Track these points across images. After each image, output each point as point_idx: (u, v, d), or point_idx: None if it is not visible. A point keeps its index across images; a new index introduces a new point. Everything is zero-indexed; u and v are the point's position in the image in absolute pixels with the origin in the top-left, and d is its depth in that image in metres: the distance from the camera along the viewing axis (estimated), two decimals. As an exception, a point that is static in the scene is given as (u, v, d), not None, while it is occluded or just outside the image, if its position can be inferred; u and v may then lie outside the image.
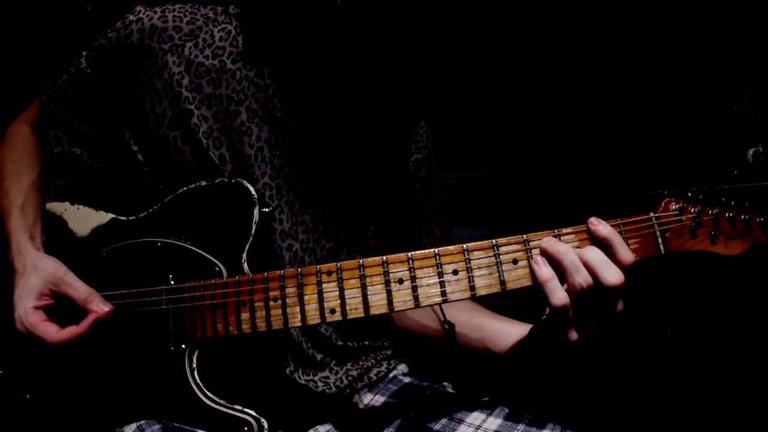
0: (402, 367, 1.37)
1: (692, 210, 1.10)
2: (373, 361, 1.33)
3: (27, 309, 1.11)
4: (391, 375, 1.34)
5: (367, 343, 1.33)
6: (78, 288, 1.12)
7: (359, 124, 1.31)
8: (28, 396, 1.18)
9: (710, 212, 1.10)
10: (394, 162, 1.35)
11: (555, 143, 2.32)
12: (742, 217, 1.11)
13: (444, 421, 1.16)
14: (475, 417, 1.15)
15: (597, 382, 1.93)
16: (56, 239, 1.26)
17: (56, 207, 1.29)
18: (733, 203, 1.12)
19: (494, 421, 1.14)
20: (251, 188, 1.13)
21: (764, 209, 1.14)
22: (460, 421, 1.15)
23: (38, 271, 1.14)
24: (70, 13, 1.95)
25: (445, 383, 1.30)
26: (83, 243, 1.24)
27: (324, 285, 1.03)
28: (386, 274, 1.02)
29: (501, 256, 1.02)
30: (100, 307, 1.12)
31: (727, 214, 1.11)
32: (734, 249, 1.11)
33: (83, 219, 1.26)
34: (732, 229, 1.11)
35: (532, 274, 1.00)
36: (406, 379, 1.33)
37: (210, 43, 1.23)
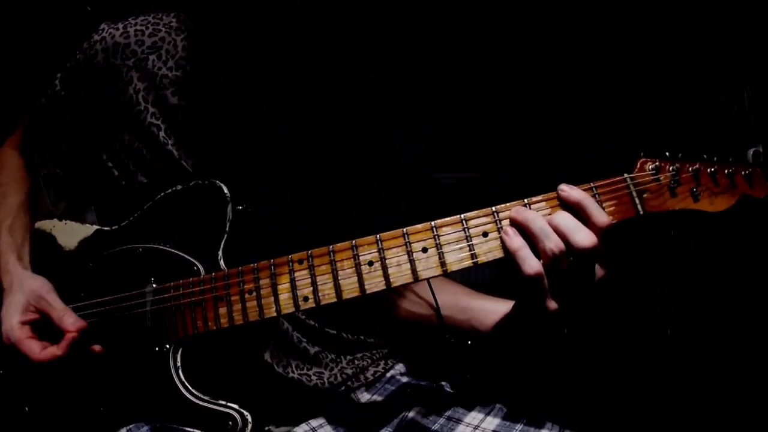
0: (399, 367, 1.36)
1: (670, 168, 1.06)
2: (369, 360, 1.31)
3: (13, 324, 1.14)
4: (388, 375, 1.33)
5: (362, 337, 1.32)
6: (55, 307, 1.15)
7: (355, 124, 1.30)
8: (27, 408, 1.20)
9: (689, 169, 1.07)
10: (391, 161, 1.34)
11: (555, 143, 2.30)
12: (726, 171, 1.07)
13: (442, 420, 1.15)
14: (474, 417, 1.15)
15: (595, 381, 1.91)
16: (46, 255, 1.29)
17: (45, 225, 1.33)
18: (715, 158, 1.08)
19: (492, 421, 1.13)
20: (224, 187, 1.14)
21: (749, 162, 1.10)
22: (458, 421, 1.15)
23: (23, 288, 1.17)
24: (60, 33, 2.01)
25: (443, 383, 1.28)
26: (71, 256, 1.27)
27: (296, 273, 1.03)
28: (356, 257, 1.01)
29: (470, 230, 1.00)
30: (74, 325, 1.13)
31: (708, 170, 1.07)
32: (720, 205, 1.07)
33: (70, 233, 1.29)
34: (715, 185, 1.07)
35: (503, 244, 0.98)
36: (404, 379, 1.32)
37: (173, 54, 1.23)
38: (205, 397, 1.06)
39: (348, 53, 1.25)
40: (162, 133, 1.21)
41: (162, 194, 1.20)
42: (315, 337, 1.24)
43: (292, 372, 1.20)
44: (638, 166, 1.07)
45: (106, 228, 1.25)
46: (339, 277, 1.01)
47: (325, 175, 1.27)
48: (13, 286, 1.18)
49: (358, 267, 1.01)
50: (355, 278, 1.01)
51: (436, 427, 1.14)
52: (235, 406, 1.03)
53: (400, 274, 1.00)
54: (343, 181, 1.28)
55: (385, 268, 1.00)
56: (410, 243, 1.01)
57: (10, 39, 2.06)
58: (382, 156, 1.33)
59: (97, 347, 1.14)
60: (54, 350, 1.12)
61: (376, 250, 1.01)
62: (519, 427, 1.11)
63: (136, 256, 1.18)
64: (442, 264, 1.00)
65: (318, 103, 1.26)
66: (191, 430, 1.05)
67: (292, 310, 1.03)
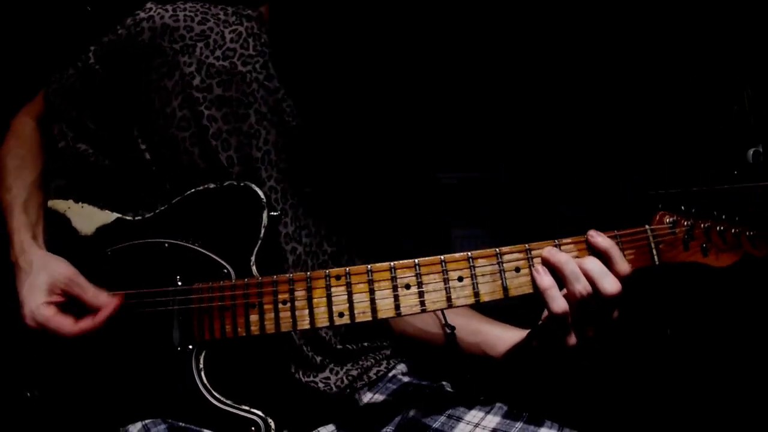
0: (401, 367, 1.39)
1: (685, 223, 1.15)
2: (372, 360, 1.35)
3: (39, 304, 1.11)
4: (390, 374, 1.36)
5: (366, 344, 1.35)
6: (88, 289, 1.13)
7: (368, 131, 1.33)
8: (28, 394, 1.18)
9: (702, 226, 1.15)
10: (401, 169, 1.37)
11: (555, 143, 2.32)
12: (733, 230, 1.16)
13: (443, 419, 1.18)
14: (474, 415, 1.17)
15: (595, 380, 1.94)
16: (59, 237, 1.26)
17: (59, 204, 1.29)
18: (724, 217, 1.17)
19: (492, 419, 1.16)
20: (260, 192, 1.15)
21: (754, 224, 1.19)
22: (459, 419, 1.17)
23: (48, 270, 1.14)
24: (67, 9, 1.94)
25: (444, 382, 1.31)
26: (87, 242, 1.24)
27: (333, 289, 1.06)
28: (394, 279, 1.05)
29: (504, 264, 1.06)
30: (112, 300, 1.12)
31: (718, 228, 1.15)
32: (724, 261, 1.16)
33: (88, 218, 1.26)
34: (723, 242, 1.16)
35: (534, 282, 1.04)
36: (405, 378, 1.35)
37: (221, 45, 1.24)
38: (228, 401, 1.07)
39: (366, 63, 1.28)
40: (204, 120, 1.21)
41: (193, 190, 1.19)
42: (320, 349, 1.27)
43: (300, 378, 1.22)
44: (657, 218, 1.15)
45: (128, 217, 1.24)
46: (376, 297, 1.05)
47: (331, 180, 1.29)
48: (34, 267, 1.15)
49: (395, 289, 1.05)
50: (392, 300, 1.05)
51: (436, 425, 1.17)
52: (260, 413, 1.05)
53: (435, 300, 1.05)
54: (349, 187, 1.31)
55: (421, 292, 1.05)
56: (447, 271, 1.05)
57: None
58: (389, 162, 1.36)
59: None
60: (89, 322, 1.09)
61: (413, 274, 1.05)
62: (519, 425, 1.13)
63: (162, 252, 1.17)
64: (476, 294, 1.05)
65: (329, 108, 1.29)
66: (209, 432, 1.06)
67: (326, 324, 1.06)
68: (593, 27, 2.21)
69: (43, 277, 1.13)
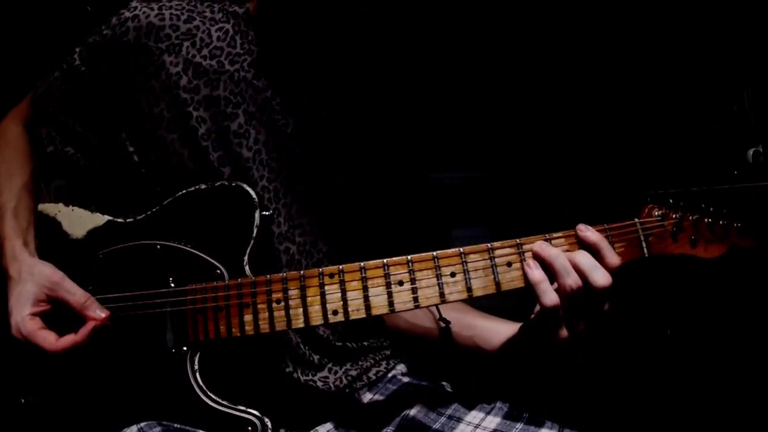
0: (401, 367, 1.38)
1: (674, 216, 1.16)
2: (372, 361, 1.34)
3: (24, 316, 1.10)
4: (390, 375, 1.36)
5: (365, 343, 1.35)
6: (75, 293, 1.12)
7: (360, 128, 1.33)
8: (23, 400, 1.17)
9: (690, 218, 1.16)
10: (393, 166, 1.38)
11: (556, 143, 2.32)
12: (721, 222, 1.18)
13: (443, 419, 1.18)
14: (474, 415, 1.17)
15: (595, 381, 1.94)
16: (50, 241, 1.25)
17: (50, 208, 1.29)
18: (712, 209, 1.19)
19: (493, 420, 1.16)
20: (252, 191, 1.15)
21: (741, 216, 1.21)
22: (459, 420, 1.17)
23: (34, 277, 1.13)
24: (58, 11, 1.93)
25: (443, 383, 1.31)
26: (78, 245, 1.24)
27: (326, 287, 1.06)
28: (387, 276, 1.06)
29: (496, 259, 1.06)
30: (97, 313, 1.12)
31: (706, 220, 1.17)
32: (713, 252, 1.17)
33: (78, 221, 1.26)
34: (711, 234, 1.17)
35: (525, 276, 1.05)
36: (405, 379, 1.35)
37: (207, 43, 1.23)
38: (224, 402, 1.07)
39: (357, 61, 1.28)
40: (193, 121, 1.20)
41: (184, 191, 1.19)
42: (318, 347, 1.27)
43: (299, 378, 1.23)
44: (646, 211, 1.16)
45: (119, 219, 1.23)
46: (369, 294, 1.05)
47: (322, 179, 1.30)
48: (22, 275, 1.14)
49: (388, 285, 1.05)
50: (385, 296, 1.05)
51: (437, 426, 1.17)
52: (256, 412, 1.05)
53: (428, 296, 1.05)
54: (341, 186, 1.31)
55: (415, 288, 1.05)
56: (440, 267, 1.06)
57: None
58: (381, 160, 1.37)
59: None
60: (72, 338, 1.09)
61: (406, 271, 1.06)
62: (519, 426, 1.13)
63: (154, 254, 1.17)
64: (468, 289, 1.06)
65: (319, 107, 1.29)
66: (206, 433, 1.06)
67: (320, 322, 1.06)
68: (594, 28, 2.22)
69: (29, 287, 1.12)
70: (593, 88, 2.23)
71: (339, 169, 1.31)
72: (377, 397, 1.30)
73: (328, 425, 1.24)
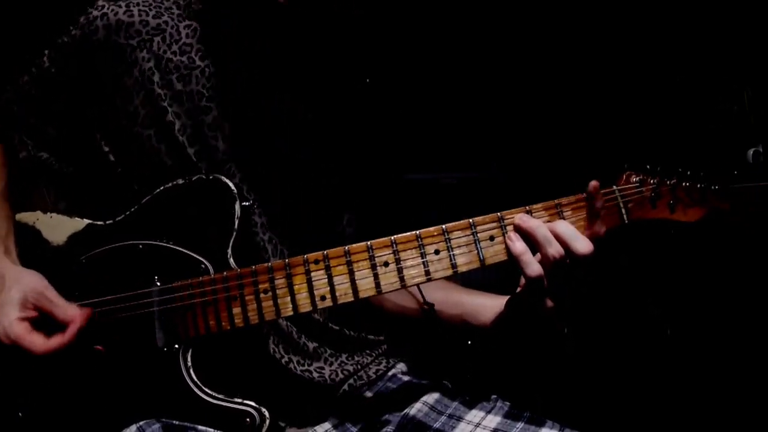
0: (401, 366, 1.38)
1: (651, 182, 1.17)
2: (369, 357, 1.33)
3: (11, 320, 1.09)
4: (390, 373, 1.35)
5: (363, 334, 1.34)
6: (58, 303, 1.11)
7: (335, 117, 1.33)
8: (20, 414, 1.15)
9: (668, 182, 1.18)
10: (369, 153, 1.38)
11: (553, 144, 2.34)
12: (698, 185, 1.19)
13: (443, 418, 1.18)
14: (474, 415, 1.17)
15: (595, 380, 1.95)
16: (31, 250, 1.24)
17: (27, 217, 1.27)
18: (689, 173, 1.20)
19: (493, 419, 1.16)
20: (230, 183, 1.14)
21: (718, 178, 1.23)
22: (459, 419, 1.17)
23: (20, 285, 1.12)
24: (27, 13, 1.90)
25: (444, 381, 1.31)
26: (60, 252, 1.23)
27: (312, 273, 1.06)
28: (372, 258, 1.06)
29: (478, 234, 1.07)
30: (80, 314, 1.10)
31: (684, 184, 1.18)
32: (692, 216, 1.19)
33: (57, 227, 1.25)
34: (689, 198, 1.18)
35: (508, 249, 1.06)
36: (405, 378, 1.34)
37: (177, 39, 1.23)
38: (220, 396, 1.06)
39: (328, 50, 1.28)
40: (168, 116, 1.19)
41: (162, 188, 1.18)
42: (314, 333, 1.27)
43: (294, 368, 1.22)
44: (624, 178, 1.17)
45: (98, 222, 1.22)
46: (356, 278, 1.05)
47: (299, 167, 1.29)
48: (7, 282, 1.12)
49: (374, 267, 1.06)
50: (371, 278, 1.05)
51: (437, 425, 1.17)
52: (253, 403, 1.05)
53: (414, 275, 1.06)
54: (317, 173, 1.30)
55: (400, 269, 1.06)
56: (423, 245, 1.06)
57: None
58: (357, 147, 1.36)
59: (99, 347, 1.11)
60: (59, 339, 1.08)
61: (391, 252, 1.06)
62: (520, 425, 1.13)
63: (137, 254, 1.16)
64: (453, 265, 1.06)
65: (291, 98, 1.29)
66: (205, 428, 1.05)
67: (309, 309, 1.06)
68: (594, 29, 2.23)
69: (16, 293, 1.11)
70: (593, 89, 2.25)
71: (315, 158, 1.30)
72: (377, 396, 1.30)
73: (327, 424, 1.23)
